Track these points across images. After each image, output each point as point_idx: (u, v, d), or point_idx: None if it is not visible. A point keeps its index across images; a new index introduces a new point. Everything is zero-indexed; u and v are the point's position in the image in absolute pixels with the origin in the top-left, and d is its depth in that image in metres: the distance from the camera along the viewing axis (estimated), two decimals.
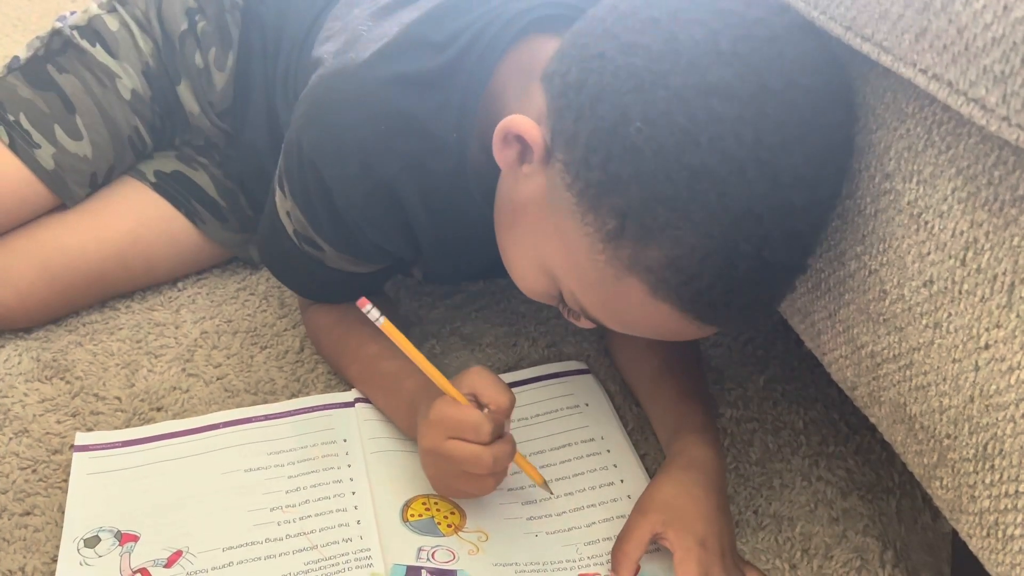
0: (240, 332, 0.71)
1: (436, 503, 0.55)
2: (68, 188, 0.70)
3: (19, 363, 0.67)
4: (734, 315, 0.44)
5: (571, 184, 0.43)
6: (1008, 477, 0.38)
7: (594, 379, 0.66)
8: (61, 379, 0.66)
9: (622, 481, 0.58)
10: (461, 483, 0.52)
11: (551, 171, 0.45)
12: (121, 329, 0.71)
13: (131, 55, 0.71)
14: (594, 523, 0.55)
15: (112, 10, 0.72)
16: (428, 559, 0.51)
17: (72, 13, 0.73)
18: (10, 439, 0.61)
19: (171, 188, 0.74)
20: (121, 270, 0.72)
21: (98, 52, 0.71)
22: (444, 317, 0.74)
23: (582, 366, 0.68)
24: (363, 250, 0.58)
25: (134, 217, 0.72)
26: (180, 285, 0.76)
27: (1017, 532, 0.39)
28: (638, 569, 0.50)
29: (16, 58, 0.71)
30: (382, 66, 0.53)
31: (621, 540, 0.50)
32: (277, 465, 0.57)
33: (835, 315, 0.49)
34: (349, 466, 0.57)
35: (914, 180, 0.42)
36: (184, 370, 0.67)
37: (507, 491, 0.56)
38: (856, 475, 0.61)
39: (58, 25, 0.71)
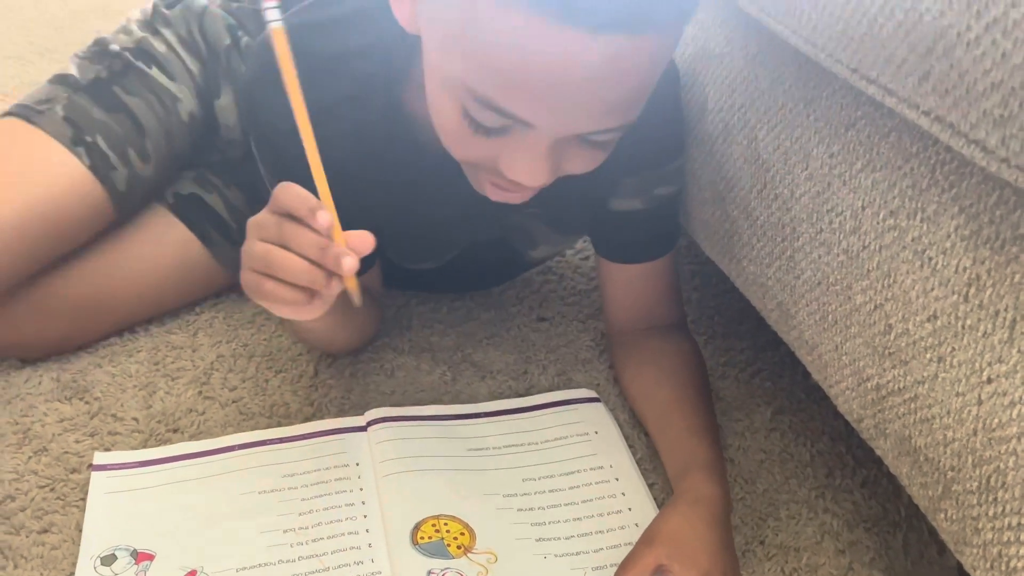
0: (256, 356, 0.72)
1: (446, 524, 0.55)
2: (131, 209, 0.71)
3: (40, 383, 0.68)
4: None
5: None
6: (1011, 510, 0.39)
7: (604, 408, 0.67)
8: (80, 399, 0.67)
9: (630, 509, 0.59)
10: (261, 282, 0.46)
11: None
12: (139, 351, 0.72)
13: (185, 77, 0.73)
14: (601, 549, 0.56)
15: (155, 33, 0.74)
16: None
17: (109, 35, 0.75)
18: (29, 457, 0.62)
19: (188, 210, 0.75)
20: (136, 300, 0.73)
21: (156, 75, 0.72)
22: (456, 344, 0.75)
23: (592, 394, 0.68)
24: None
25: (153, 244, 0.74)
26: (197, 309, 0.77)
27: (1020, 564, 0.39)
28: None
29: (71, 76, 0.71)
30: (306, 13, 0.56)
31: (624, 569, 0.51)
32: (291, 487, 0.58)
33: (841, 348, 0.50)
34: (361, 489, 0.58)
35: (918, 217, 0.43)
36: (200, 393, 0.68)
37: (516, 511, 0.57)
38: (862, 508, 0.61)
39: (114, 48, 0.72)
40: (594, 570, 0.54)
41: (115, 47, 0.72)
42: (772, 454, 0.65)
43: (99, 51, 0.72)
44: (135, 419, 0.66)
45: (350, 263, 0.43)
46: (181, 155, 0.74)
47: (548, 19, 0.39)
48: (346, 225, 0.46)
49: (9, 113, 0.68)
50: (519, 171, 0.47)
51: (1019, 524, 0.39)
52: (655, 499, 0.60)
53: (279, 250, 0.45)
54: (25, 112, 0.68)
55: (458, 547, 0.54)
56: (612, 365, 0.71)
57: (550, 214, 0.65)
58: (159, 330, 0.75)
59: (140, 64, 0.71)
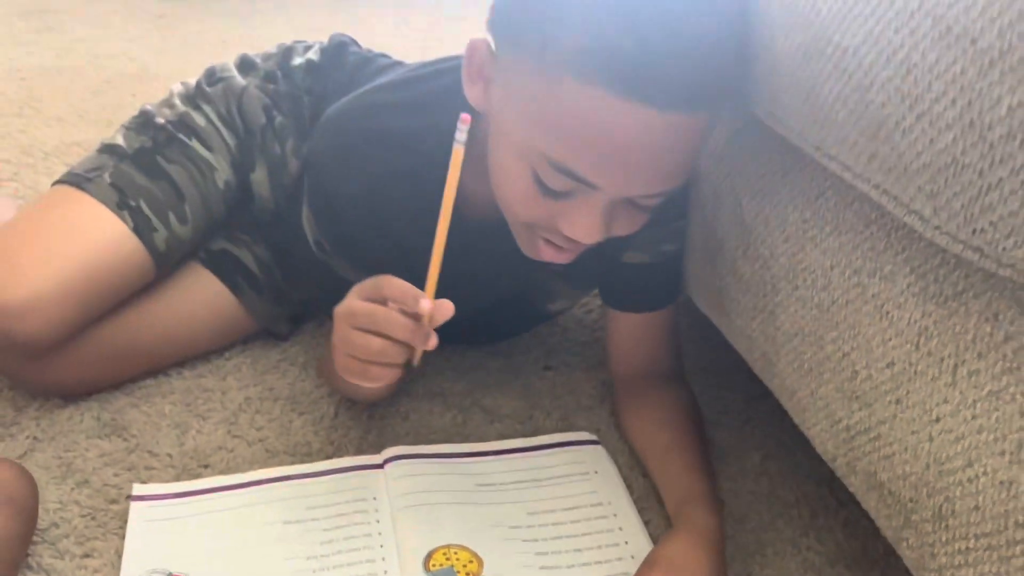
0: (280, 399, 0.78)
1: (456, 553, 0.60)
2: (169, 267, 0.78)
3: (81, 421, 0.74)
4: (670, 67, 0.47)
5: (505, 44, 0.53)
6: (959, 535, 0.44)
7: (603, 450, 0.72)
8: (119, 436, 0.73)
9: (626, 543, 0.63)
10: (355, 365, 0.54)
11: (499, 65, 0.54)
12: (173, 393, 0.78)
13: (222, 149, 0.80)
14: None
15: (197, 107, 0.80)
16: None
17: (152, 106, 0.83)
18: (72, 489, 0.67)
19: (219, 264, 0.82)
20: (167, 345, 0.79)
21: (196, 146, 0.79)
22: (466, 390, 0.80)
23: (593, 437, 0.73)
24: (360, 258, 0.66)
25: (187, 295, 0.80)
26: (227, 355, 0.83)
27: None
28: None
29: (119, 146, 0.78)
30: (379, 95, 0.65)
31: None
32: (313, 519, 0.63)
33: (816, 392, 0.55)
34: (378, 521, 0.63)
35: (877, 276, 0.49)
36: (229, 432, 0.74)
37: (522, 542, 0.62)
38: (843, 546, 0.66)
39: (160, 121, 0.79)
40: None
41: (159, 120, 0.79)
42: (760, 496, 0.70)
43: (144, 122, 0.79)
44: (169, 455, 0.71)
45: (435, 340, 0.52)
46: (217, 219, 0.81)
47: (623, 97, 0.48)
48: (391, 266, 0.57)
49: (62, 181, 0.76)
50: (578, 230, 0.55)
51: (967, 548, 0.44)
52: (650, 535, 0.65)
53: (378, 339, 0.53)
54: (76, 179, 0.75)
55: (467, 574, 0.59)
56: (615, 409, 0.77)
57: (568, 270, 0.71)
58: (191, 374, 0.81)
59: (181, 136, 0.78)
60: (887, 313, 0.48)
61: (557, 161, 0.52)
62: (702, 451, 0.68)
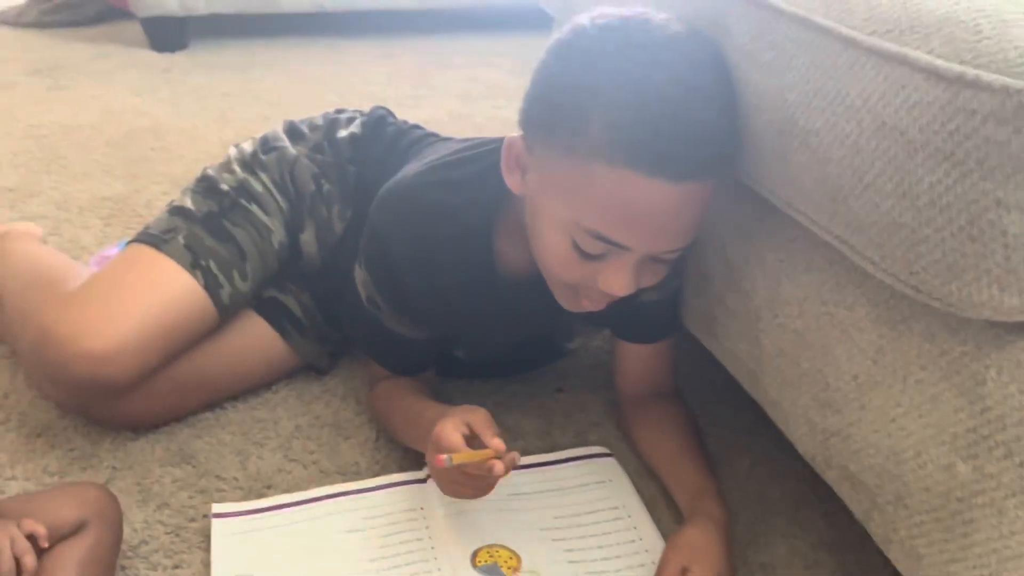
0: (327, 426, 0.88)
1: (498, 551, 0.70)
2: (229, 317, 0.87)
3: (153, 452, 0.83)
4: (681, 148, 0.58)
5: (539, 143, 0.64)
6: (915, 511, 0.55)
7: (615, 461, 0.83)
8: (188, 464, 0.82)
9: (641, 539, 0.74)
10: (461, 489, 0.69)
11: (534, 155, 0.65)
12: (231, 424, 0.88)
13: (276, 213, 0.90)
14: (621, 569, 0.71)
15: (254, 174, 0.90)
16: None
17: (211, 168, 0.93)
18: (154, 510, 0.77)
19: (268, 310, 0.92)
20: (226, 380, 0.89)
21: (256, 210, 0.88)
22: (490, 413, 0.91)
23: (605, 451, 0.84)
24: (410, 311, 0.77)
25: (242, 337, 0.90)
26: (274, 389, 0.93)
27: (924, 552, 0.55)
28: None
29: (189, 210, 0.87)
30: (431, 174, 0.77)
31: (659, 571, 0.66)
32: (371, 528, 0.73)
33: (796, 403, 0.67)
34: (427, 527, 0.73)
35: (842, 306, 0.60)
36: (286, 456, 0.84)
37: (552, 541, 0.72)
38: (824, 534, 0.77)
39: (224, 188, 0.89)
40: None
41: (223, 186, 0.89)
42: (750, 494, 0.81)
43: (209, 187, 0.90)
44: (235, 478, 0.81)
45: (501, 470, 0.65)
46: (271, 274, 0.91)
47: (647, 176, 0.59)
48: (435, 325, 0.73)
49: (139, 240, 0.86)
50: (613, 286, 0.65)
51: (921, 521, 0.55)
52: (660, 532, 0.75)
53: (468, 477, 0.67)
54: (154, 240, 0.85)
55: (509, 568, 0.69)
56: (623, 424, 0.88)
57: (592, 314, 0.80)
58: (244, 407, 0.90)
59: (243, 201, 0.88)
60: (851, 336, 0.59)
61: (593, 230, 0.63)
62: (705, 454, 0.80)
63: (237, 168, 0.91)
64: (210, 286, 0.84)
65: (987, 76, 0.42)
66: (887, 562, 0.72)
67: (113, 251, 1.14)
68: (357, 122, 0.95)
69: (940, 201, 0.46)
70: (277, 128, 0.96)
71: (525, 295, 0.77)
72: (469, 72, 2.04)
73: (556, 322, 0.86)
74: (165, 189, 1.38)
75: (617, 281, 0.65)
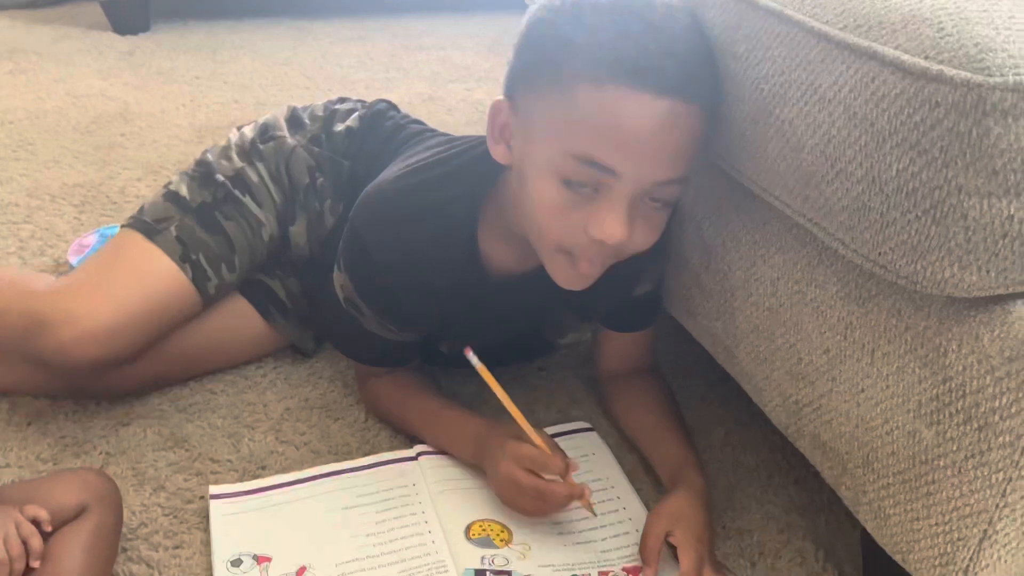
0: (316, 408, 0.90)
1: (490, 525, 0.73)
2: (213, 304, 0.89)
3: (145, 437, 0.85)
4: (663, 61, 0.59)
5: (524, 93, 0.66)
6: (882, 475, 0.59)
7: (597, 435, 0.86)
8: (182, 448, 0.84)
9: (624, 508, 0.77)
10: (525, 504, 0.71)
11: (519, 113, 0.66)
12: (221, 408, 0.89)
13: (270, 205, 0.90)
14: (607, 537, 0.74)
15: (251, 163, 0.91)
16: (490, 564, 0.70)
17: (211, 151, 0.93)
18: (151, 494, 0.78)
19: (254, 293, 0.93)
20: (210, 353, 0.91)
21: (249, 203, 0.89)
22: (475, 392, 0.93)
23: (588, 425, 0.88)
24: (394, 313, 0.78)
25: (228, 317, 0.91)
26: (262, 371, 0.95)
27: (891, 511, 0.59)
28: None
29: (183, 198, 0.88)
30: (411, 176, 0.77)
31: (645, 536, 0.70)
32: (367, 504, 0.76)
33: (770, 376, 0.70)
34: (420, 503, 0.76)
35: (813, 285, 0.64)
36: (277, 438, 0.86)
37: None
38: (795, 498, 0.81)
39: (220, 178, 0.89)
40: (602, 552, 0.73)
41: (220, 176, 0.90)
42: (726, 463, 0.85)
43: (206, 174, 0.90)
44: (229, 460, 0.82)
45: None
46: (259, 264, 0.92)
47: (628, 88, 0.59)
48: (420, 326, 0.77)
49: (133, 226, 0.87)
50: (605, 228, 0.63)
51: (888, 484, 0.59)
52: (643, 501, 0.79)
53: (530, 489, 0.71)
54: (146, 229, 0.86)
55: (501, 540, 0.72)
56: (604, 401, 0.91)
57: (583, 308, 0.84)
58: (233, 391, 0.92)
59: (237, 192, 0.89)
60: (822, 312, 0.63)
61: (580, 153, 0.61)
62: (683, 428, 0.83)
63: (235, 156, 0.92)
64: (198, 279, 0.86)
65: (949, 71, 0.45)
66: (855, 523, 0.77)
67: (91, 238, 1.14)
68: (355, 115, 0.96)
69: (906, 187, 0.49)
70: (279, 114, 0.96)
71: (512, 294, 0.79)
72: (440, 54, 2.05)
73: (545, 320, 0.89)
74: (138, 175, 1.38)
75: (608, 223, 0.63)
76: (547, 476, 0.70)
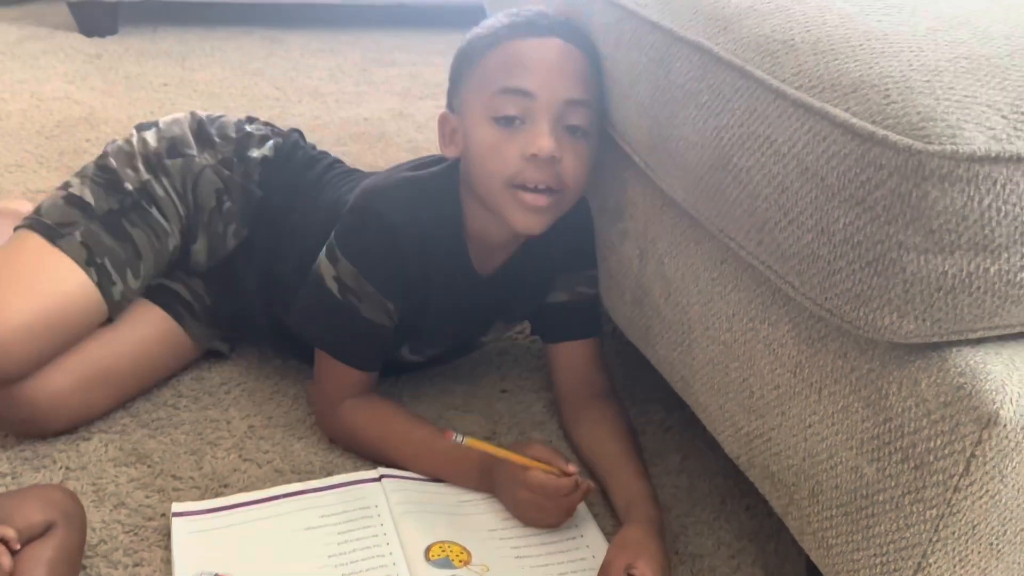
0: (279, 426, 0.91)
1: (450, 546, 0.75)
2: (120, 312, 0.89)
3: (106, 452, 0.85)
4: (540, 17, 0.80)
5: (459, 91, 0.83)
6: (826, 507, 0.62)
7: None
8: (144, 464, 0.84)
9: (582, 536, 0.79)
10: (550, 520, 0.78)
11: (459, 113, 0.82)
12: (184, 424, 0.90)
13: (175, 219, 0.91)
14: (563, 562, 0.76)
15: (157, 177, 0.91)
16: None
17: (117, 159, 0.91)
18: (111, 510, 0.78)
19: (159, 296, 0.93)
20: (132, 370, 0.90)
21: (155, 214, 0.90)
22: (437, 413, 0.95)
23: None
24: (399, 289, 0.83)
25: (140, 326, 0.91)
26: (225, 388, 0.95)
27: (834, 542, 0.62)
28: None
29: (89, 205, 0.87)
30: (409, 188, 0.85)
31: (607, 568, 0.71)
32: (329, 524, 0.77)
33: (723, 407, 0.73)
34: (382, 524, 0.77)
35: (766, 323, 0.67)
36: (240, 456, 0.86)
37: (499, 540, 0.77)
38: (746, 525, 0.84)
39: (128, 187, 0.89)
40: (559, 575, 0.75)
41: (128, 185, 0.89)
42: (681, 489, 0.88)
43: (111, 181, 0.89)
44: (191, 477, 0.83)
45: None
46: (161, 272, 0.92)
47: (520, 37, 0.79)
48: (412, 315, 0.85)
49: (31, 228, 0.85)
50: (538, 142, 0.76)
51: (832, 515, 0.62)
52: (600, 527, 0.81)
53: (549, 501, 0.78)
54: (49, 233, 0.85)
55: (460, 561, 0.74)
56: (563, 426, 0.93)
57: (507, 310, 0.93)
58: (196, 407, 0.92)
59: (143, 203, 0.89)
60: (774, 350, 0.66)
61: (498, 88, 0.77)
62: (640, 458, 0.86)
63: (142, 167, 0.91)
64: (103, 284, 0.85)
65: (893, 136, 0.48)
66: (801, 551, 0.80)
67: None
68: (270, 144, 0.96)
69: (852, 239, 0.53)
70: (185, 124, 0.95)
71: (491, 290, 0.88)
72: (411, 69, 2.06)
73: (506, 313, 0.93)
74: None
75: (538, 137, 0.76)
76: None
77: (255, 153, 0.95)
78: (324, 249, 0.84)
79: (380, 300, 0.83)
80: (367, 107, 1.79)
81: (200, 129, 0.95)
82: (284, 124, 1.65)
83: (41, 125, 1.57)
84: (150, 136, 0.94)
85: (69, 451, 0.84)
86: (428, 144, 1.61)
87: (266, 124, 1.01)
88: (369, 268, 0.82)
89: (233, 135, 0.96)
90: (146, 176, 0.91)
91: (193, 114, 0.97)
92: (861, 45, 0.54)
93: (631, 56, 0.73)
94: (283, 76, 1.94)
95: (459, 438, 0.75)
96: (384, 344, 0.87)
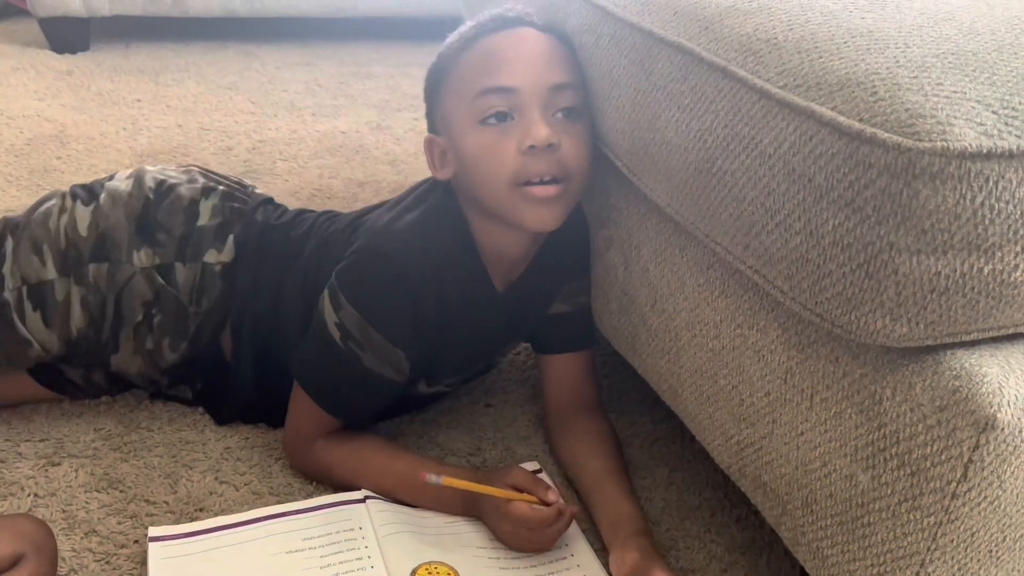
0: (257, 447, 0.88)
1: (436, 568, 0.73)
2: None
3: (76, 477, 0.82)
4: (508, 13, 0.78)
5: (438, 108, 0.80)
6: (820, 516, 0.61)
7: (546, 475, 0.86)
8: (116, 489, 0.81)
9: (573, 556, 0.77)
10: (534, 548, 0.76)
11: (444, 133, 0.79)
12: (157, 447, 0.87)
13: (60, 327, 0.81)
14: None
15: (66, 275, 0.80)
16: None
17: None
18: (81, 538, 0.75)
19: (45, 375, 0.87)
20: None
21: (32, 319, 0.80)
22: (420, 430, 0.93)
23: (536, 466, 0.88)
24: (409, 337, 0.78)
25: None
26: (201, 410, 0.92)
27: (829, 552, 0.61)
28: None
29: None
30: (403, 217, 0.80)
31: None
32: (311, 548, 0.74)
33: (713, 416, 0.72)
34: (366, 547, 0.75)
35: (755, 329, 0.66)
36: (216, 478, 0.83)
37: (488, 559, 0.75)
38: (737, 537, 0.82)
39: (5, 296, 0.79)
40: None
41: (11, 284, 0.79)
42: (670, 502, 0.86)
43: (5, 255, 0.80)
44: (166, 502, 0.80)
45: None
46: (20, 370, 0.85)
47: (491, 34, 0.77)
48: (429, 353, 0.82)
49: None
50: (533, 132, 0.73)
51: (826, 525, 0.61)
52: (590, 544, 0.79)
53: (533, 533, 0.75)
54: None
55: None
56: (548, 440, 0.91)
57: (519, 327, 0.90)
58: (170, 428, 0.89)
59: (27, 304, 0.79)
60: (763, 356, 0.65)
61: (480, 89, 0.74)
62: (626, 475, 0.84)
63: (50, 263, 0.80)
64: None
65: (882, 134, 0.47)
66: (795, 563, 0.79)
67: None
68: (230, 243, 0.84)
69: (841, 241, 0.51)
70: (125, 206, 0.83)
71: (513, 303, 0.85)
72: (389, 82, 2.05)
73: (524, 327, 0.90)
74: None
75: (533, 127, 0.73)
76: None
77: (211, 259, 0.83)
78: (327, 292, 0.78)
79: (388, 348, 0.77)
80: (344, 120, 1.77)
81: (144, 214, 0.82)
82: (261, 139, 1.65)
83: (11, 143, 1.53)
84: (81, 217, 0.81)
85: (37, 477, 0.81)
86: (407, 156, 1.59)
87: (226, 194, 0.87)
88: (376, 315, 0.76)
89: (179, 231, 0.83)
90: (48, 276, 0.80)
91: (141, 182, 0.84)
92: (846, 42, 0.53)
93: (610, 58, 0.72)
94: (259, 90, 1.92)
95: (434, 479, 0.73)
96: (383, 397, 0.82)
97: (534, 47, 0.75)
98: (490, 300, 0.83)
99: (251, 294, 0.85)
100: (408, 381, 0.83)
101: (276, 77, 2.02)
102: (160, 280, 0.82)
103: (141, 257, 0.82)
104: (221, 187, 0.88)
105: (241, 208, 0.87)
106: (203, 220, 0.84)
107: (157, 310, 0.82)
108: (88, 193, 0.85)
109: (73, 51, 2.06)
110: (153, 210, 0.83)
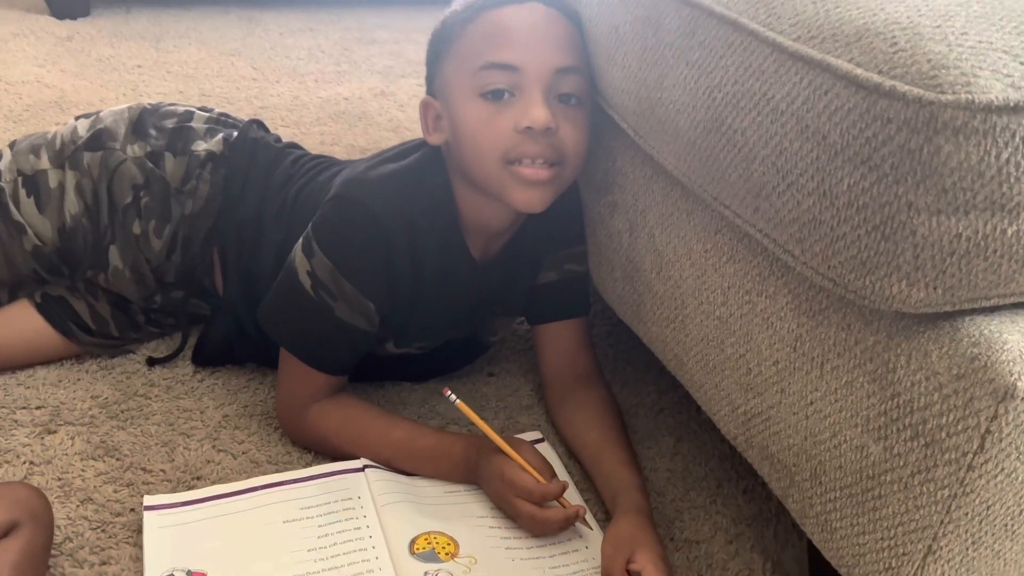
0: (256, 415, 0.87)
1: (435, 538, 0.72)
2: None
3: (72, 445, 0.81)
4: None
5: (438, 73, 0.77)
6: (829, 488, 0.59)
7: (549, 446, 0.85)
8: (112, 457, 0.80)
9: (575, 525, 0.76)
10: (525, 527, 0.73)
11: (441, 93, 0.77)
12: (155, 415, 0.86)
13: (53, 214, 0.84)
14: (555, 554, 0.73)
15: (60, 166, 0.84)
16: None
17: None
18: (77, 506, 0.74)
19: (52, 310, 0.88)
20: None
21: (25, 202, 0.83)
22: (422, 399, 0.91)
23: (539, 435, 0.86)
24: (378, 288, 0.77)
25: (14, 330, 0.87)
26: (199, 377, 0.91)
27: (838, 525, 0.59)
28: None
29: None
30: (386, 166, 0.80)
31: (608, 567, 0.68)
32: (308, 517, 0.73)
33: (719, 385, 0.70)
34: (365, 516, 0.74)
35: (763, 295, 0.64)
36: (214, 447, 0.82)
37: (488, 528, 0.74)
38: (744, 509, 0.81)
39: (8, 179, 0.83)
40: (551, 568, 0.71)
41: (8, 176, 0.83)
42: (676, 473, 0.85)
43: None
44: (163, 470, 0.79)
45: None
46: (24, 275, 0.87)
47: (497, 7, 0.74)
48: (399, 310, 0.79)
49: None
50: (531, 114, 0.71)
51: (835, 497, 0.59)
52: (591, 512, 0.78)
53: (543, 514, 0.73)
54: None
55: (446, 554, 0.70)
56: (548, 411, 0.90)
57: (508, 306, 0.88)
58: (168, 396, 0.88)
59: (23, 191, 0.83)
60: (771, 324, 0.63)
61: (483, 63, 0.72)
62: (627, 444, 0.82)
63: (44, 156, 0.85)
64: None
65: (902, 87, 0.45)
66: (803, 535, 0.77)
67: None
68: (219, 138, 0.89)
69: (857, 202, 0.49)
70: (124, 116, 0.89)
71: (490, 275, 0.83)
72: (393, 48, 2.01)
73: (504, 302, 0.88)
74: None
75: (530, 109, 0.71)
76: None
77: (199, 147, 0.88)
78: (300, 240, 0.78)
79: (359, 300, 0.77)
80: (348, 86, 1.74)
81: (139, 120, 0.89)
82: (263, 105, 1.62)
83: (9, 109, 1.51)
84: (82, 125, 0.88)
85: (33, 445, 0.80)
86: (410, 123, 1.56)
87: (222, 115, 0.94)
88: (348, 264, 0.75)
89: (170, 126, 0.89)
90: (44, 166, 0.84)
91: (139, 106, 0.91)
92: None
93: (615, 16, 0.69)
94: (261, 56, 1.89)
95: (453, 397, 0.74)
96: (358, 348, 0.81)
97: (543, 25, 0.73)
98: (467, 268, 0.81)
99: (237, 197, 0.87)
100: (377, 339, 0.82)
101: (278, 43, 1.99)
102: (150, 165, 0.86)
103: (135, 149, 0.87)
104: (217, 111, 0.95)
105: (235, 123, 0.93)
106: (196, 123, 0.91)
107: (145, 192, 0.86)
108: (89, 115, 0.91)
109: (73, 16, 2.03)
110: (148, 116, 0.90)
